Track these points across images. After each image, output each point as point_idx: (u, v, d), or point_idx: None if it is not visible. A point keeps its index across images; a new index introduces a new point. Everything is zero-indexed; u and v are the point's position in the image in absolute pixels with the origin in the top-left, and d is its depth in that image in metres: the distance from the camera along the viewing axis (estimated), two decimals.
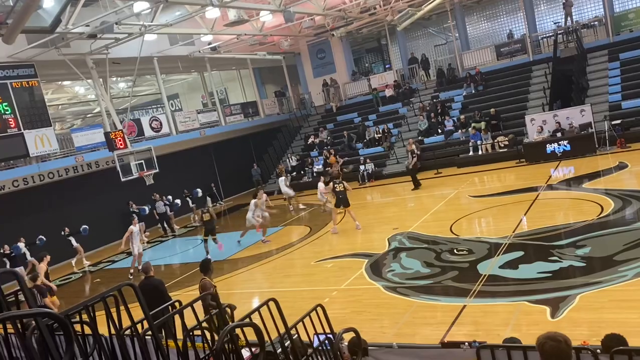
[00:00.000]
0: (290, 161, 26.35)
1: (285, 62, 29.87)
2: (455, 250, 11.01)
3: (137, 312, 3.20)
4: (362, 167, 22.92)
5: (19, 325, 2.47)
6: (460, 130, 22.35)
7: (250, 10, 19.13)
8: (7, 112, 17.18)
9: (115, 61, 19.38)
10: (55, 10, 14.18)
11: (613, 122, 18.41)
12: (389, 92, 27.14)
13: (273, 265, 13.29)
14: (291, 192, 19.86)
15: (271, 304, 3.69)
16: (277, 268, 13.07)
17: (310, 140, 27.30)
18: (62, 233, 17.47)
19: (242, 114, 27.43)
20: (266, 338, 3.53)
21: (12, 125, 17.27)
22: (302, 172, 25.37)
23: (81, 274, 16.92)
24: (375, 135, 24.97)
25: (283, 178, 20.18)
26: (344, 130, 26.26)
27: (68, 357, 1.93)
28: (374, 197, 20.48)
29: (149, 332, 3.03)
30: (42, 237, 16.63)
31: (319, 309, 4.21)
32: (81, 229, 17.74)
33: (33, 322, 2.38)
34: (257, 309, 3.53)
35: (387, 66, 32.44)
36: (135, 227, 14.82)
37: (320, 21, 24.43)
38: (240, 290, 11.49)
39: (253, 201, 15.87)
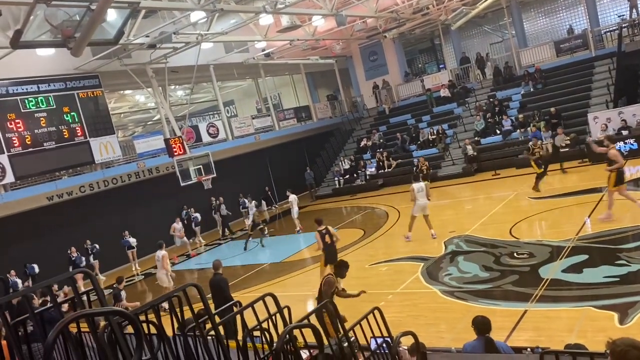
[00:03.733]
0: (343, 164, 26.39)
1: (337, 65, 29.96)
2: (515, 254, 10.70)
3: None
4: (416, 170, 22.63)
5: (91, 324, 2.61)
6: (518, 130, 21.69)
7: (303, 15, 19.34)
8: (74, 122, 18.11)
9: (173, 70, 20.05)
10: (118, 23, 14.78)
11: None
12: (443, 92, 26.69)
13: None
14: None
15: (328, 306, 3.72)
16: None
17: (362, 143, 27.24)
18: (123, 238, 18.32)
19: (295, 119, 27.73)
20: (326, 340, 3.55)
21: (79, 134, 18.19)
22: (354, 175, 25.35)
23: (143, 276, 17.57)
24: (430, 137, 24.62)
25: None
26: (397, 132, 26.04)
27: (138, 355, 2.02)
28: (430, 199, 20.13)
29: (212, 332, 3.12)
30: (96, 245, 17.50)
31: (376, 312, 4.20)
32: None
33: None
34: (315, 311, 3.57)
35: (441, 66, 31.93)
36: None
37: (372, 23, 24.36)
38: (295, 293, 11.60)
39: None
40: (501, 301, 8.68)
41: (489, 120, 23.17)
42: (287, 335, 3.05)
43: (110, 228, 18.73)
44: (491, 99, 24.25)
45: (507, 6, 25.70)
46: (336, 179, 25.75)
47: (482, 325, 5.36)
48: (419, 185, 13.49)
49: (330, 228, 11.16)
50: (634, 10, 22.92)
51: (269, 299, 3.80)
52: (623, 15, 24.10)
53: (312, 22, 21.26)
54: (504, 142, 21.98)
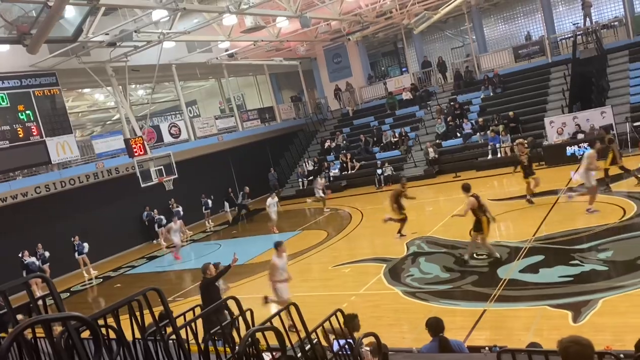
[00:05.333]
0: (307, 165, 26.42)
1: (302, 67, 29.99)
2: (474, 255, 10.93)
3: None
4: (378, 171, 22.88)
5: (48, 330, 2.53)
6: (478, 133, 22.20)
7: (267, 16, 19.27)
8: (30, 120, 17.52)
9: (134, 69, 19.66)
10: (77, 20, 14.43)
11: (635, 124, 18.12)
12: (406, 96, 27.08)
13: (291, 270, 13.30)
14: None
15: (291, 308, 3.72)
16: (294, 273, 13.05)
17: (326, 145, 27.34)
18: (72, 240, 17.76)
19: (259, 120, 27.60)
20: (286, 343, 3.55)
21: (34, 133, 17.61)
22: (318, 177, 25.40)
23: (101, 279, 17.15)
24: (392, 139, 24.92)
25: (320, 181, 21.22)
26: (360, 134, 26.25)
27: None
28: None
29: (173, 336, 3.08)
30: (46, 253, 16.86)
31: (338, 313, 4.22)
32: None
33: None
34: (278, 313, 3.56)
35: (403, 69, 32.37)
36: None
37: (336, 26, 24.49)
38: (259, 295, 11.53)
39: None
40: (461, 301, 8.86)
41: (450, 123, 23.63)
42: (249, 339, 3.04)
43: (68, 230, 18.18)
44: (452, 103, 24.74)
45: (468, 12, 26.27)
46: (300, 180, 25.75)
47: (435, 325, 5.48)
48: None
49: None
50: (588, 19, 23.82)
51: (231, 302, 3.77)
52: (578, 23, 24.98)
53: (276, 24, 21.21)
54: (464, 145, 22.46)
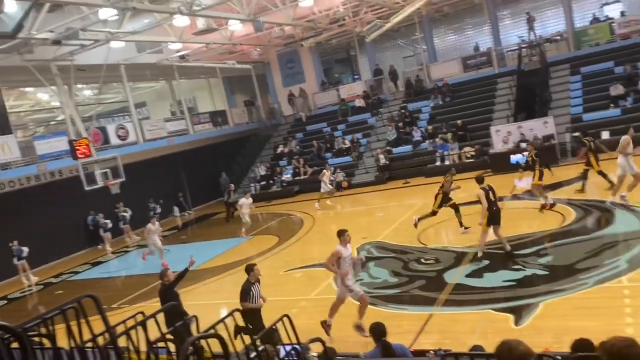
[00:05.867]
0: (260, 170, 26.25)
1: (255, 71, 29.83)
2: (422, 260, 11.12)
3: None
4: (331, 177, 22.96)
5: None
6: (428, 141, 22.67)
7: (220, 19, 19.06)
8: None
9: (80, 68, 19.02)
10: (18, 15, 13.84)
11: (574, 134, 18.96)
12: (358, 103, 27.37)
13: (242, 275, 13.14)
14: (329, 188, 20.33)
15: (237, 315, 3.65)
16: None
17: (279, 150, 27.28)
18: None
19: (210, 123, 27.21)
20: (233, 350, 3.48)
21: None
22: (270, 182, 25.30)
23: (42, 286, 16.43)
24: (344, 145, 25.12)
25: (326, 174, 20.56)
26: (313, 140, 26.32)
27: None
28: (344, 206, 20.54)
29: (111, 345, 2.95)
30: None
31: (285, 319, 4.18)
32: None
33: None
34: (222, 320, 3.49)
35: (356, 77, 32.72)
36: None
37: (290, 31, 24.50)
38: (207, 302, 11.33)
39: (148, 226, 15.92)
40: (409, 305, 8.98)
41: (401, 130, 24.04)
42: (192, 347, 2.95)
43: (6, 234, 17.33)
44: (403, 111, 25.19)
45: (419, 22, 26.84)
46: (252, 185, 25.55)
47: (377, 330, 5.54)
48: None
49: (492, 186, 10.69)
50: (532, 32, 24.81)
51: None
52: (523, 36, 25.98)
53: (228, 26, 21.01)
54: (414, 152, 22.89)
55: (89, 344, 3.16)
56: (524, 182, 17.02)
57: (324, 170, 20.83)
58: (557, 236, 10.86)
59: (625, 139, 11.86)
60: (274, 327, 4.00)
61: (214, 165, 26.83)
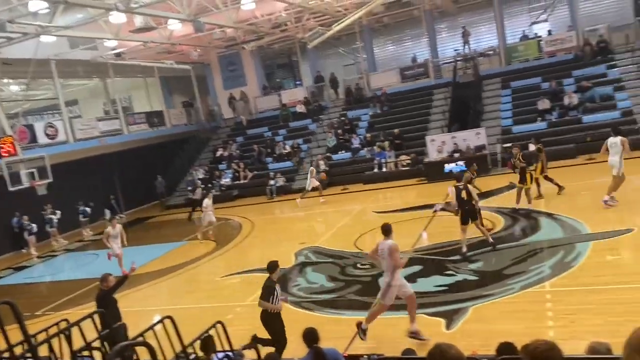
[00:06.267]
0: (198, 174, 25.74)
1: (195, 72, 29.31)
2: (358, 265, 11.26)
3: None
4: (271, 182, 22.88)
5: None
6: (366, 148, 23.05)
7: (159, 18, 18.60)
8: None
9: (6, 62, 18.00)
10: None
11: (505, 145, 19.85)
12: (299, 108, 27.45)
13: (177, 281, 12.85)
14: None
15: (167, 321, 3.55)
16: (181, 284, 12.66)
17: (218, 153, 26.87)
18: None
19: (146, 124, 26.44)
20: (163, 358, 3.37)
21: None
22: (209, 185, 24.85)
23: None
24: (283, 151, 25.10)
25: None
26: (254, 144, 26.14)
27: None
28: (283, 211, 20.51)
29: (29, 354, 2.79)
30: None
31: (218, 326, 4.11)
32: None
33: None
34: (151, 327, 3.38)
35: (298, 82, 32.82)
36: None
37: (232, 33, 24.26)
38: (140, 308, 10.96)
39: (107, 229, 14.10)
40: (345, 310, 9.06)
41: (340, 137, 24.31)
42: (119, 356, 2.84)
43: None
44: (343, 118, 25.50)
45: (360, 31, 27.30)
46: (189, 188, 25.03)
47: (309, 336, 5.55)
48: None
49: (470, 186, 11.03)
50: (467, 46, 25.81)
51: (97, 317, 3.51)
52: (458, 49, 26.99)
53: (167, 25, 20.52)
54: (353, 158, 23.20)
55: (6, 354, 2.97)
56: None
57: (312, 167, 20.59)
58: (486, 243, 11.27)
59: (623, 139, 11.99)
60: (206, 333, 3.91)
61: (149, 167, 26.04)
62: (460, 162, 19.52)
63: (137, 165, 25.31)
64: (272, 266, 7.48)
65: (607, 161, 12.24)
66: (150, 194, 25.17)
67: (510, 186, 16.34)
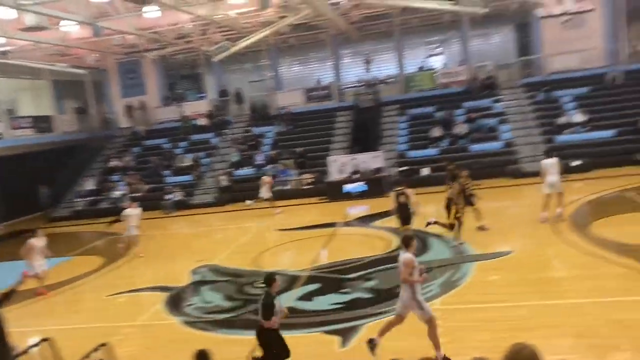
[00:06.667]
0: (88, 184, 24.25)
1: (90, 77, 27.77)
2: (256, 284, 11.13)
3: None
4: (168, 196, 22.09)
5: None
6: (269, 165, 23.06)
7: (54, 18, 17.45)
8: None
9: None
10: None
11: (400, 168, 20.78)
12: (202, 121, 26.92)
13: (58, 301, 11.90)
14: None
15: (46, 344, 3.26)
16: (64, 303, 11.74)
17: (112, 164, 25.52)
18: None
19: (33, 129, 24.48)
20: None
21: None
22: (100, 197, 23.50)
23: None
24: (183, 164, 24.42)
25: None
26: (151, 156, 25.14)
27: None
28: (180, 227, 19.84)
29: None
30: None
31: (103, 348, 3.84)
32: None
33: None
34: (26, 350, 3.09)
35: (202, 95, 32.20)
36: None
37: (133, 40, 23.35)
38: (16, 329, 9.99)
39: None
40: (241, 330, 8.88)
41: (244, 153, 24.12)
42: None
43: None
44: (247, 134, 25.35)
45: (267, 49, 27.45)
46: (78, 200, 23.47)
47: (200, 358, 5.43)
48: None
49: (407, 191, 11.76)
50: (369, 73, 26.88)
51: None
52: (361, 75, 28.01)
53: (61, 27, 19.31)
54: (256, 175, 23.08)
55: None
56: (357, 209, 18.15)
57: (264, 177, 19.86)
58: (381, 261, 11.65)
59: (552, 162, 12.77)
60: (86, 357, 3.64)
61: (34, 175, 24.11)
62: (360, 183, 20.15)
63: (20, 172, 23.31)
64: (270, 279, 6.74)
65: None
66: (33, 204, 23.26)
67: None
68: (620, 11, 23.62)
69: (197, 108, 28.07)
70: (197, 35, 23.10)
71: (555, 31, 23.51)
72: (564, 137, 20.79)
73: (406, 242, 7.14)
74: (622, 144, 19.50)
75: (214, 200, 22.17)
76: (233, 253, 14.14)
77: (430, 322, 6.95)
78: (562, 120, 21.41)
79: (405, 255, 7.00)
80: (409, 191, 11.86)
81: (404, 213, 11.85)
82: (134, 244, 15.33)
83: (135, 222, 15.10)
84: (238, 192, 22.26)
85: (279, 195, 21.35)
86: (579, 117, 21.13)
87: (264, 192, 19.07)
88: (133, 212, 15.24)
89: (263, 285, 6.91)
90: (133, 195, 22.94)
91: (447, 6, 20.84)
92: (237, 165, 23.78)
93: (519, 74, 25.16)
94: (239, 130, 26.28)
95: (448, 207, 12.10)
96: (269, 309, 6.48)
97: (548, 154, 13.45)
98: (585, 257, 10.32)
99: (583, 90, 22.78)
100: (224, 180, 22.36)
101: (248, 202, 19.61)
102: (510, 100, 23.71)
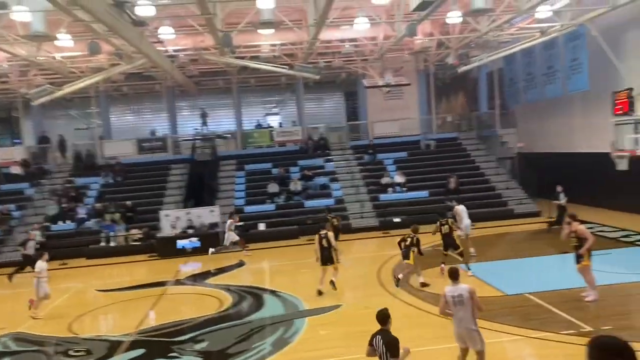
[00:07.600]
0: None
1: None
2: (71, 351, 9.92)
3: None
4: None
5: None
6: (93, 220, 21.28)
7: None
8: None
9: None
10: None
11: (238, 224, 20.61)
12: (15, 170, 24.10)
13: None
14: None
15: None
16: None
17: None
18: None
19: None
20: None
21: None
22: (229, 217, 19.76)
23: None
24: None
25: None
26: None
27: None
28: None
29: None
30: None
31: None
32: None
33: None
34: None
35: (16, 141, 29.03)
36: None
37: None
38: None
39: None
40: None
41: (64, 206, 21.98)
42: None
43: None
44: (68, 185, 23.26)
45: (96, 96, 25.96)
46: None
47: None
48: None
49: (330, 234, 12.40)
50: (206, 127, 26.78)
51: None
52: (198, 129, 27.75)
53: None
54: (77, 230, 21.12)
55: None
56: (190, 266, 17.47)
57: (228, 219, 18.50)
58: (213, 321, 11.21)
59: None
60: None
61: None
62: (194, 239, 19.49)
63: None
64: (385, 315, 6.11)
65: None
66: None
67: (240, 264, 16.91)
68: (431, 87, 27.10)
69: (10, 155, 25.18)
70: (16, 76, 20.99)
71: (379, 100, 26.08)
72: (386, 196, 22.68)
73: (453, 274, 7.07)
74: (433, 203, 21.79)
75: (22, 258, 19.53)
76: (46, 318, 12.47)
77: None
78: (385, 180, 23.37)
79: (467, 286, 6.99)
80: (330, 234, 12.55)
81: (325, 255, 12.42)
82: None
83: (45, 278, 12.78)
84: (54, 249, 20.00)
85: (103, 253, 19.75)
86: (398, 178, 23.28)
87: (229, 238, 18.40)
88: (44, 265, 12.95)
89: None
90: None
91: (283, 70, 21.92)
92: (55, 219, 21.52)
93: (348, 136, 27.14)
94: (60, 180, 24.01)
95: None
96: (395, 346, 5.72)
97: (458, 200, 15.99)
98: (406, 307, 11.04)
99: (403, 154, 25.29)
100: (38, 236, 19.96)
101: (211, 250, 18.51)
102: (341, 161, 25.32)
